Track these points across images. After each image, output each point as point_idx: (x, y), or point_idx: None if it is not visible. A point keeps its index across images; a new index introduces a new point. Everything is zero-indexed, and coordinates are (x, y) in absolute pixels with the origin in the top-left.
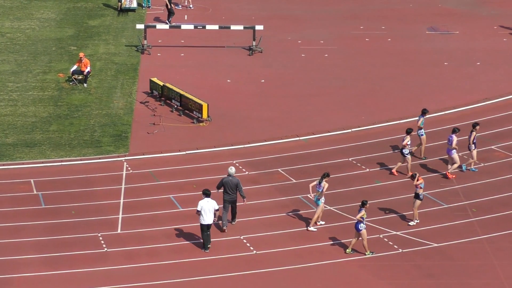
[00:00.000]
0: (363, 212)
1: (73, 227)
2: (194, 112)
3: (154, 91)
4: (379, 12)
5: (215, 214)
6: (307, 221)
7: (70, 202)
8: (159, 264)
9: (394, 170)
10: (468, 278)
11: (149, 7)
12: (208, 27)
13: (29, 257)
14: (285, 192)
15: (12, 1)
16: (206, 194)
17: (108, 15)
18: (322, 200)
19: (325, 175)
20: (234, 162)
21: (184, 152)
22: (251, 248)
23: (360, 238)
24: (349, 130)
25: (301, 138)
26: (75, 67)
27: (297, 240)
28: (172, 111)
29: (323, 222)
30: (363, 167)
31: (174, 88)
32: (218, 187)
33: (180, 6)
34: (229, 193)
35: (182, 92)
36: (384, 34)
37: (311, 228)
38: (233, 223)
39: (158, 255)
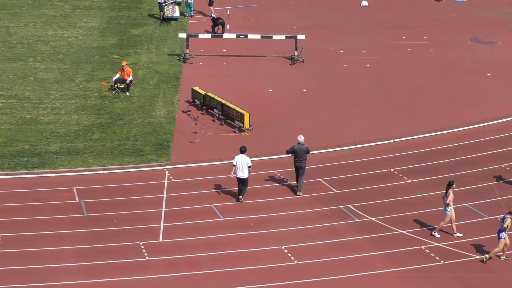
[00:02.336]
0: (508, 221)
1: (114, 235)
2: (236, 122)
3: (196, 100)
4: (421, 22)
5: (249, 170)
6: (348, 231)
7: (112, 211)
8: (200, 273)
9: None
10: None
11: (191, 16)
12: (250, 36)
13: (71, 265)
14: (327, 202)
15: (56, 10)
16: (242, 151)
17: (150, 24)
18: (449, 208)
19: (450, 184)
20: (275, 171)
21: (226, 161)
22: (292, 258)
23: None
24: (391, 141)
25: (342, 148)
26: (117, 76)
27: (338, 251)
28: (213, 120)
29: (460, 235)
30: (405, 177)
31: (216, 97)
32: (288, 152)
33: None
34: (297, 158)
35: (224, 101)
36: (426, 44)
37: (435, 234)
38: (299, 193)
39: (199, 264)
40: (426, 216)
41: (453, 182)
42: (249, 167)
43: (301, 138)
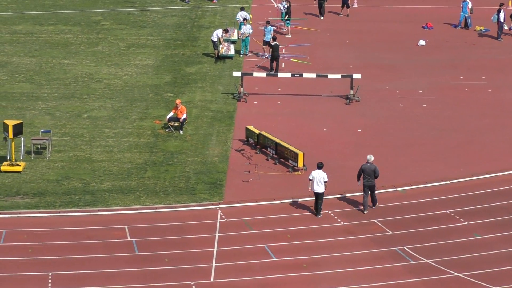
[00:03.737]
0: None
1: (166, 274)
2: (290, 161)
3: (249, 139)
4: (480, 62)
5: (325, 185)
6: (403, 273)
7: (164, 250)
8: None
9: None
10: None
11: (246, 54)
12: (305, 75)
13: None
14: (381, 243)
15: (111, 47)
16: (319, 166)
17: (205, 62)
18: None
19: None
20: (329, 211)
21: (279, 201)
22: None
23: None
24: (447, 182)
25: (398, 189)
26: (171, 114)
27: None
28: (267, 160)
29: None
30: (461, 219)
31: (270, 137)
32: (359, 175)
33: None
34: (368, 178)
35: (277, 141)
36: (484, 84)
37: None
38: (374, 207)
39: None
40: (483, 259)
41: None
42: (325, 182)
43: (370, 158)
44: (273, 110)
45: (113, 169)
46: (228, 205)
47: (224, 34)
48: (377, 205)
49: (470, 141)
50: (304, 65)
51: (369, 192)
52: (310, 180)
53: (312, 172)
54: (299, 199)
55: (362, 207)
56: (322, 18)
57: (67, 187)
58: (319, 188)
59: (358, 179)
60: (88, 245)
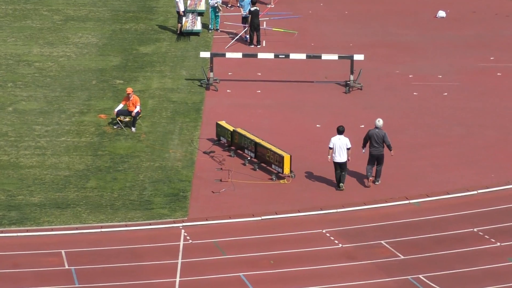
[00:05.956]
0: None
1: None
2: (273, 166)
3: (221, 138)
4: None
5: (348, 153)
6: None
7: (112, 280)
8: None
9: None
10: None
11: (217, 29)
12: (292, 56)
13: None
14: (390, 271)
15: (43, 21)
16: (339, 131)
17: (164, 40)
18: None
19: None
20: (323, 231)
21: (259, 218)
22: None
23: None
24: (475, 192)
25: (411, 201)
26: (121, 107)
27: None
28: (244, 164)
29: None
30: (493, 240)
31: (248, 135)
32: (364, 141)
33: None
34: (376, 146)
35: (257, 140)
36: None
37: None
38: (377, 183)
39: None
40: None
41: None
42: (348, 149)
43: (379, 122)
44: (251, 101)
45: (46, 178)
46: (194, 223)
47: None
48: (379, 182)
49: (503, 140)
50: (291, 44)
51: (376, 164)
52: (330, 148)
53: (332, 138)
54: (285, 215)
55: (368, 183)
56: None
57: None
58: (342, 157)
59: (364, 146)
60: (14, 274)
